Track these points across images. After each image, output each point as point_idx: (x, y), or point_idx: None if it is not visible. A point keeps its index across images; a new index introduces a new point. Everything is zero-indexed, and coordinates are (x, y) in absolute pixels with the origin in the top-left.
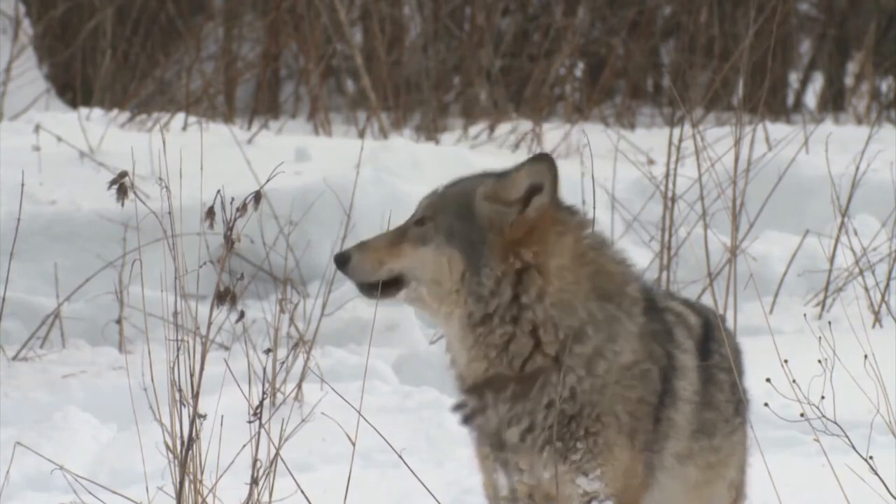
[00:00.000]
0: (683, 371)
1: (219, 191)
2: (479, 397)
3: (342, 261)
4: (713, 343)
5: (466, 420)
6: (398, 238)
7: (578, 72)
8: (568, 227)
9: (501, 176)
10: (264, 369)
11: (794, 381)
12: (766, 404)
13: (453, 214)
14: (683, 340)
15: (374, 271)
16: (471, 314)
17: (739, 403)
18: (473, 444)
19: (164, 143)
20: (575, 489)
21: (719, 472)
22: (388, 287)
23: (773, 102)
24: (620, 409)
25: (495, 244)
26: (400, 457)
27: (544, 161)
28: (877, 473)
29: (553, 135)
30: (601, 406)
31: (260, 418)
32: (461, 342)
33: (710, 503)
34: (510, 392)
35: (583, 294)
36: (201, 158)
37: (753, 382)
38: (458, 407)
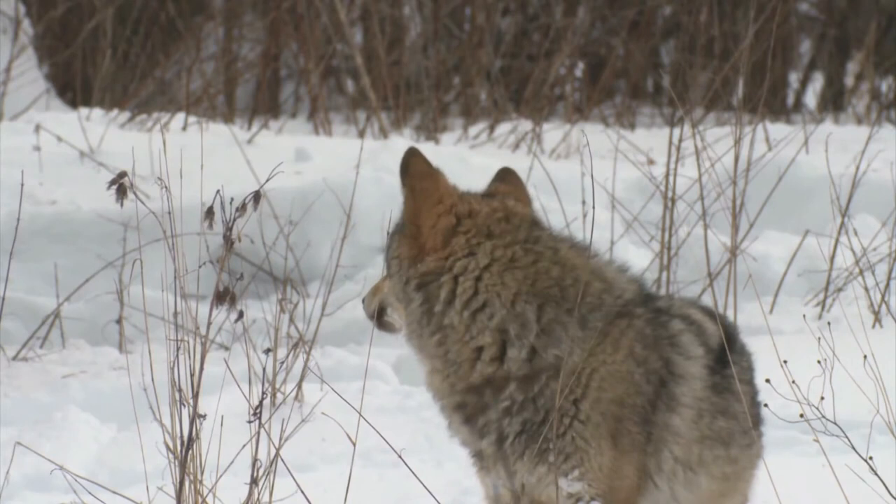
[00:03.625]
0: (685, 377)
1: (218, 191)
2: (479, 397)
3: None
4: (734, 353)
5: (467, 421)
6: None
7: (578, 72)
8: (490, 233)
9: None
10: (264, 369)
11: (793, 381)
12: (765, 405)
13: (390, 236)
14: (690, 347)
15: (369, 305)
16: (409, 326)
17: (757, 417)
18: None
19: (164, 143)
20: (557, 490)
21: (736, 486)
22: (380, 317)
23: (773, 102)
24: (590, 409)
25: (402, 254)
26: (400, 457)
27: (409, 152)
28: (876, 473)
29: (553, 135)
30: (563, 408)
31: (260, 418)
32: (416, 356)
33: None
34: (472, 406)
35: (509, 296)
36: (201, 158)
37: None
38: (458, 408)
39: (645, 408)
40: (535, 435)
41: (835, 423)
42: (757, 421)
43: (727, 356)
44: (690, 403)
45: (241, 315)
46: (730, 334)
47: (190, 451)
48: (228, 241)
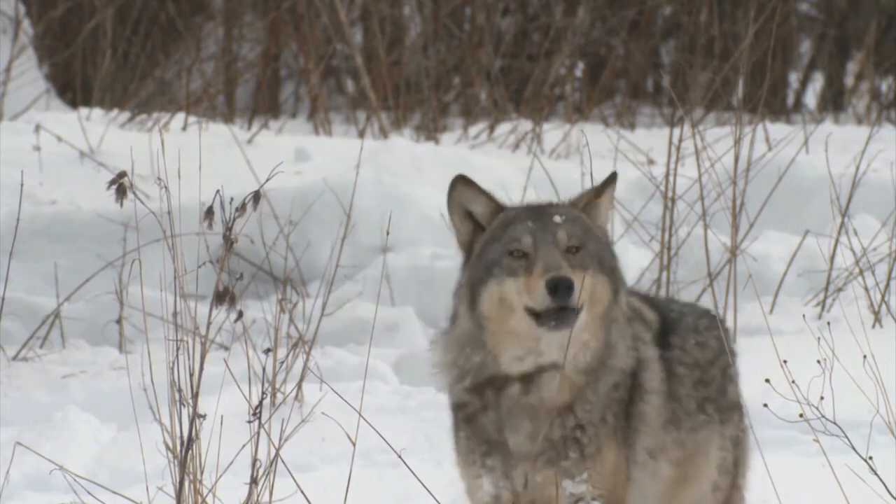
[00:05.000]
0: (647, 362)
1: (218, 191)
2: (479, 397)
3: (570, 286)
4: (674, 336)
5: (468, 420)
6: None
7: (578, 72)
8: None
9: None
10: (264, 369)
11: (793, 381)
12: (765, 405)
13: (595, 240)
14: (643, 333)
15: (577, 298)
16: (605, 344)
17: (705, 401)
18: (459, 450)
19: (162, 143)
20: (561, 492)
21: (687, 472)
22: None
23: (773, 102)
24: (609, 412)
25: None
26: (400, 457)
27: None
28: (876, 473)
29: (553, 135)
30: (599, 412)
31: (260, 418)
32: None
33: None
34: (544, 411)
35: None
36: (200, 158)
37: (753, 382)
38: (458, 407)
39: (626, 400)
40: (541, 437)
41: (835, 423)
42: (705, 406)
43: (667, 339)
44: (656, 388)
45: (240, 315)
46: (670, 319)
47: (190, 451)
48: (228, 241)
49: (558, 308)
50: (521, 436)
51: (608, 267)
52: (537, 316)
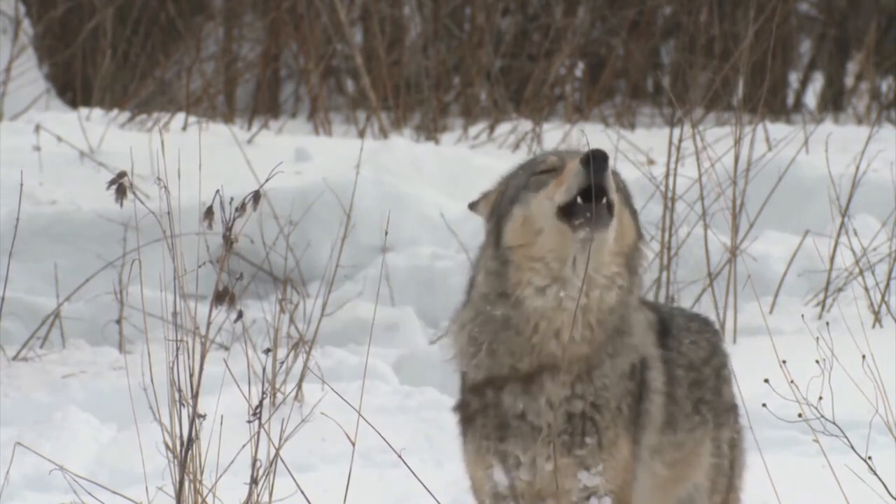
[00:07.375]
0: (652, 361)
1: (217, 191)
2: (481, 396)
3: (605, 158)
4: (670, 338)
5: (469, 418)
6: None
7: (578, 72)
8: None
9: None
10: (264, 369)
11: (792, 381)
12: (764, 405)
13: (619, 181)
14: (646, 332)
15: (611, 189)
16: (622, 287)
17: (699, 402)
18: (468, 441)
19: (162, 143)
20: (575, 483)
21: (682, 472)
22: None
23: (773, 102)
24: (624, 402)
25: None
26: (400, 457)
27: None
28: (876, 474)
29: (553, 135)
30: (616, 397)
31: (260, 418)
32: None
33: None
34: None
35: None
36: (200, 158)
37: (752, 383)
38: (460, 406)
39: (637, 395)
40: (575, 425)
41: (834, 424)
42: (699, 407)
43: (665, 341)
44: (659, 388)
45: (240, 315)
46: (665, 320)
47: (190, 451)
48: (228, 241)
49: (589, 191)
50: (541, 402)
51: (632, 208)
52: (571, 216)
